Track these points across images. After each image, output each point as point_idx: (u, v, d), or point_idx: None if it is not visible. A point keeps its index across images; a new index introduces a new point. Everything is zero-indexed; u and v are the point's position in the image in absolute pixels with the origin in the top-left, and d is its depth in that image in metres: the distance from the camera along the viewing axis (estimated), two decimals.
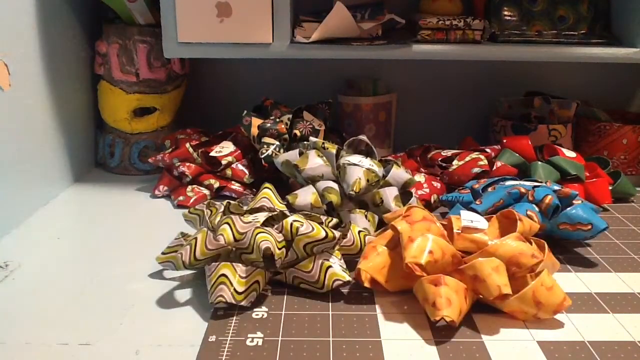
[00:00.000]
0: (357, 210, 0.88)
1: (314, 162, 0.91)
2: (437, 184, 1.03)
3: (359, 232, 0.79)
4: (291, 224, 0.74)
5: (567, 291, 0.73)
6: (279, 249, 0.71)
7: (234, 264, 0.69)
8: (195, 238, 0.73)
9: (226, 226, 0.74)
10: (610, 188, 1.02)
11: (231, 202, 0.84)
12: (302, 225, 0.74)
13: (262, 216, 0.78)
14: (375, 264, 0.73)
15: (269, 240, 0.70)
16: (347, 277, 0.71)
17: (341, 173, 0.89)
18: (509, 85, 1.32)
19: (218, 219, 0.79)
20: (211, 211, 0.82)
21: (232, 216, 0.77)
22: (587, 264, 0.82)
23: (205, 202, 0.85)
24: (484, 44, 1.09)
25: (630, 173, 1.16)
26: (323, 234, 0.72)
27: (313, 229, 0.73)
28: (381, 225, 0.85)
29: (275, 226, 0.76)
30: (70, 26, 1.10)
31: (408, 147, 1.18)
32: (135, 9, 1.10)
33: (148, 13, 1.11)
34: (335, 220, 0.82)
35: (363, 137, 0.98)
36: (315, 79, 1.31)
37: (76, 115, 1.13)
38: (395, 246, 0.74)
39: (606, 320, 0.68)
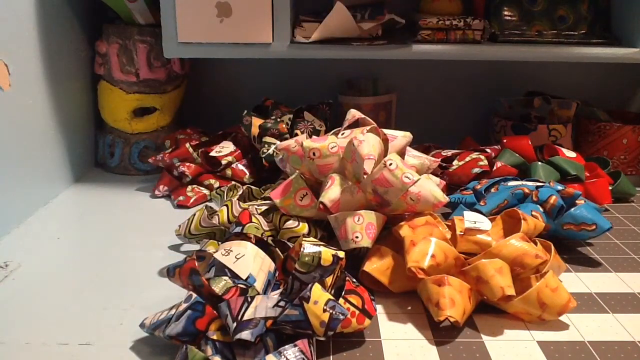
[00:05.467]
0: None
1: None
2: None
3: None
4: (280, 217, 0.78)
5: (567, 291, 0.73)
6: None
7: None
8: (194, 214, 0.81)
9: (224, 208, 0.81)
10: (610, 188, 1.02)
11: (253, 187, 0.90)
12: (289, 219, 0.77)
13: (264, 205, 0.82)
14: (379, 265, 0.73)
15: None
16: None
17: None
18: (509, 85, 1.32)
19: (235, 199, 0.85)
20: (232, 192, 0.89)
21: (233, 199, 0.82)
22: (587, 264, 0.82)
23: (230, 185, 0.93)
24: (484, 44, 1.09)
25: (630, 173, 1.16)
26: (306, 230, 0.76)
27: (299, 224, 0.77)
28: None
29: (268, 216, 0.80)
30: (70, 26, 1.10)
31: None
32: (135, 9, 1.10)
33: (148, 13, 1.11)
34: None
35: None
36: (315, 79, 1.31)
37: (76, 115, 1.13)
38: (400, 248, 0.74)
39: (606, 320, 0.68)
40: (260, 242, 0.72)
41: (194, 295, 0.60)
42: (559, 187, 0.88)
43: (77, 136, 1.14)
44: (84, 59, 1.16)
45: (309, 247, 0.64)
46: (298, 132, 1.07)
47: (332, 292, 0.65)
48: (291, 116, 1.09)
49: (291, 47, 1.02)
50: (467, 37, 1.08)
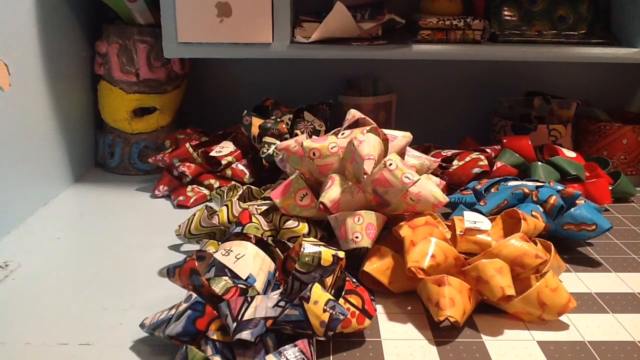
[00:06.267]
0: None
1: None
2: None
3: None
4: (280, 217, 0.79)
5: (567, 291, 0.73)
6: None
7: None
8: (194, 214, 0.82)
9: (224, 208, 0.81)
10: (610, 188, 1.02)
11: (253, 187, 0.90)
12: (289, 219, 0.78)
13: (264, 205, 0.82)
14: (379, 265, 0.73)
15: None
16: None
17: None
18: (509, 85, 1.32)
19: (235, 199, 0.85)
20: (232, 192, 0.89)
21: (233, 199, 0.82)
22: (587, 264, 0.82)
23: (230, 185, 0.93)
24: (484, 44, 1.09)
25: (630, 173, 1.16)
26: (306, 230, 0.76)
27: (299, 224, 0.77)
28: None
29: (268, 216, 0.80)
30: (70, 26, 1.10)
31: None
32: (135, 9, 1.10)
33: (148, 13, 1.11)
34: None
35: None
36: (315, 79, 1.31)
37: (76, 115, 1.13)
38: (400, 248, 0.74)
39: (606, 320, 0.68)
40: (260, 242, 0.72)
41: (194, 295, 0.60)
42: (559, 187, 0.88)
43: (77, 136, 1.14)
44: (84, 59, 1.16)
45: (309, 247, 0.64)
46: (298, 132, 1.07)
47: (332, 292, 0.65)
48: (291, 116, 1.09)
49: (291, 47, 1.02)
50: (467, 37, 1.08)
